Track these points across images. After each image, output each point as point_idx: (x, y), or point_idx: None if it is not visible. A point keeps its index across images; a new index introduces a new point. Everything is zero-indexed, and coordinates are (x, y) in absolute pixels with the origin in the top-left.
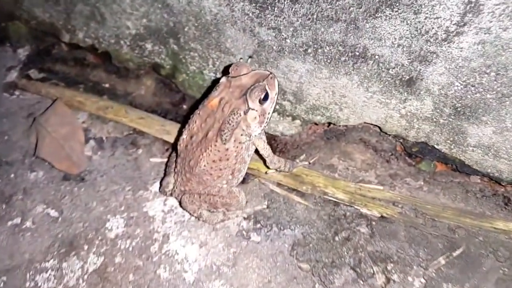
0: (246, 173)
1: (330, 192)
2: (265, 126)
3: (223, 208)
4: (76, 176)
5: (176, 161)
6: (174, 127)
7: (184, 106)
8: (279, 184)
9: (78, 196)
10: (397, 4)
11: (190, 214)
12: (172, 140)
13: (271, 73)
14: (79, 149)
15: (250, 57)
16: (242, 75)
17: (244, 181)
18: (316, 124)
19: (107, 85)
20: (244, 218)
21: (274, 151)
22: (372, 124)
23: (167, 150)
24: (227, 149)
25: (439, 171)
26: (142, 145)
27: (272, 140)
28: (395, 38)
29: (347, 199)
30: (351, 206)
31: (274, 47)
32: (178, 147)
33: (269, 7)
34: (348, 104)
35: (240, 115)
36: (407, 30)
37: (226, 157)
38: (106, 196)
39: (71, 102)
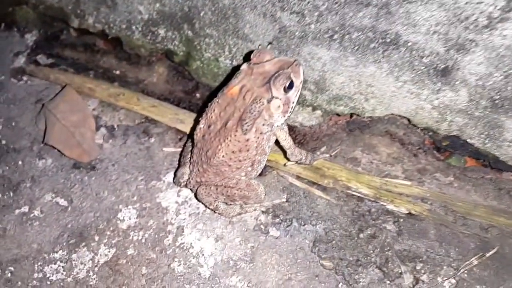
0: (266, 166)
1: (354, 186)
2: (288, 116)
3: (240, 201)
4: (86, 164)
5: (192, 151)
6: (188, 116)
7: (198, 95)
8: (298, 177)
9: (88, 185)
10: None
11: (206, 206)
12: (185, 129)
13: (296, 60)
14: (90, 137)
15: (269, 43)
16: (265, 61)
17: (261, 173)
18: (338, 115)
19: (117, 72)
20: (262, 212)
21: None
22: (400, 116)
23: (180, 139)
24: (247, 140)
25: (469, 167)
26: (155, 134)
27: (290, 131)
28: (431, 25)
29: (372, 194)
30: (376, 202)
31: (297, 33)
32: (195, 137)
33: None
34: (375, 94)
35: (263, 104)
36: (445, 16)
37: (246, 148)
38: (118, 186)
39: (81, 89)
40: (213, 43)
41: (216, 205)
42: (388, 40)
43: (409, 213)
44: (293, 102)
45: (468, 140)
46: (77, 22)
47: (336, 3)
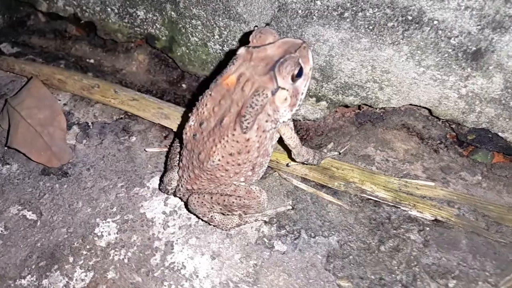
0: None
1: (369, 189)
2: (296, 110)
3: (239, 211)
4: (57, 170)
5: (181, 154)
6: (173, 110)
7: (184, 85)
8: (304, 179)
9: (60, 195)
10: None
11: (199, 217)
12: (171, 126)
13: (304, 41)
14: (60, 137)
15: (267, 24)
16: (267, 44)
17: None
18: (346, 106)
19: (91, 61)
20: (265, 222)
21: None
22: (419, 107)
23: (165, 137)
24: (247, 140)
25: (497, 163)
26: (136, 132)
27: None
28: None
29: (391, 198)
30: (396, 207)
31: (300, 11)
32: (184, 136)
33: None
34: (392, 82)
35: (267, 96)
36: None
37: (247, 149)
38: (94, 195)
39: (50, 81)
40: (200, 26)
41: (211, 216)
42: (410, 17)
43: (435, 220)
44: (301, 93)
45: (500, 134)
46: (45, 5)
47: None
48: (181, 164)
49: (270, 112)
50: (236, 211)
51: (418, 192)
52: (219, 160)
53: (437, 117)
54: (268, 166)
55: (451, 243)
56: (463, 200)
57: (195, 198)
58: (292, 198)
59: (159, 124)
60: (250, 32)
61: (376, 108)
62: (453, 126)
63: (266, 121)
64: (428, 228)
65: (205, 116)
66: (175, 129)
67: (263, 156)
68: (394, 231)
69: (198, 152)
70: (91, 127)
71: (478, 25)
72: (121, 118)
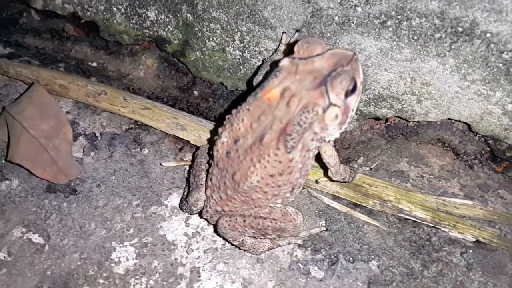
0: None
1: (406, 208)
2: (345, 129)
3: (274, 235)
4: (64, 186)
5: (208, 171)
6: (189, 121)
7: (195, 92)
8: (335, 197)
9: (69, 215)
10: None
11: (229, 241)
12: (188, 138)
13: (355, 53)
14: (66, 151)
15: (297, 31)
16: (315, 56)
17: None
18: (376, 119)
19: (94, 64)
20: (298, 246)
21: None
22: (458, 121)
23: (180, 149)
24: (291, 160)
25: None
26: (148, 144)
27: None
28: None
29: (430, 218)
30: (436, 228)
31: (336, 18)
32: (215, 154)
33: None
34: (432, 95)
35: (317, 114)
36: None
37: (289, 170)
38: (108, 215)
39: (51, 86)
40: (220, 29)
41: (242, 240)
42: (460, 29)
43: (477, 241)
44: (352, 110)
45: None
46: (41, 2)
47: None
48: (209, 183)
49: (317, 130)
50: (270, 234)
51: (457, 212)
52: (257, 181)
53: (475, 133)
54: None
55: (496, 267)
56: (503, 220)
57: (226, 221)
58: (325, 218)
59: (173, 135)
60: (294, 43)
61: (409, 121)
62: (490, 141)
63: (312, 140)
64: (470, 251)
65: (241, 133)
66: (191, 141)
67: (304, 177)
68: (436, 254)
69: (233, 171)
70: (99, 138)
71: None
72: (131, 128)
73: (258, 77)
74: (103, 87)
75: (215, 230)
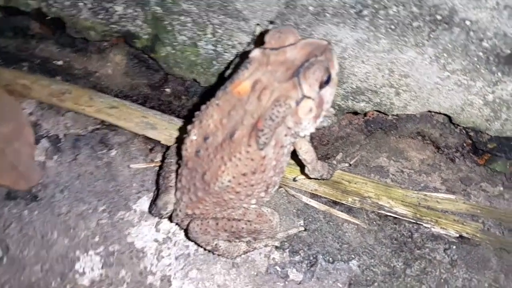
0: None
1: (386, 204)
2: (320, 122)
3: (249, 237)
4: (25, 193)
5: (178, 172)
6: (160, 119)
7: (168, 89)
8: (314, 195)
9: (30, 224)
10: None
11: (201, 246)
12: (158, 137)
13: (329, 42)
14: (27, 154)
15: (271, 22)
16: (287, 46)
17: None
18: (354, 113)
19: (60, 63)
20: (276, 248)
21: None
22: (439, 113)
23: (151, 150)
24: (264, 157)
25: None
26: (116, 145)
27: None
28: None
29: (411, 214)
30: (418, 224)
31: (311, 8)
32: (184, 153)
33: None
34: (411, 87)
35: (290, 107)
36: None
37: (262, 168)
38: (72, 222)
39: (12, 87)
40: (190, 23)
41: (216, 244)
42: (439, 17)
43: (460, 236)
44: (327, 103)
45: None
46: None
47: None
48: (179, 185)
49: (291, 124)
50: (246, 237)
51: (439, 207)
52: (229, 181)
53: (456, 125)
54: None
55: (480, 262)
56: (486, 213)
57: (197, 224)
58: (303, 218)
59: (142, 135)
60: (265, 32)
61: (388, 115)
62: (472, 134)
63: (285, 135)
64: (454, 247)
65: (210, 130)
66: (162, 141)
67: (278, 175)
68: (419, 251)
69: (203, 171)
70: (62, 140)
71: None
72: (98, 128)
73: (229, 71)
74: (67, 86)
75: (186, 235)
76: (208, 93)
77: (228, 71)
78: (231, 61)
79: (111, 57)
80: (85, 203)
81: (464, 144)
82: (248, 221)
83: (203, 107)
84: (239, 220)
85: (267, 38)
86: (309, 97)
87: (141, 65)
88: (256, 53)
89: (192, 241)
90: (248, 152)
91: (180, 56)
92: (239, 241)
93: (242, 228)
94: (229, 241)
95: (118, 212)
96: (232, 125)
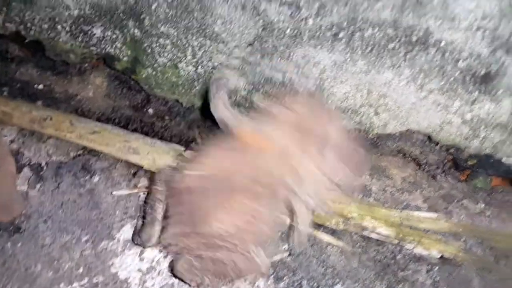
0: None
1: (370, 225)
2: None
3: (236, 277)
4: (8, 224)
5: (167, 202)
6: (142, 143)
7: (150, 110)
8: None
9: (13, 256)
10: None
11: (185, 283)
12: (141, 162)
13: None
14: (9, 185)
15: (249, 45)
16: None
17: None
18: None
19: (40, 87)
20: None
21: None
22: (418, 132)
23: (134, 175)
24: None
25: (496, 187)
26: (98, 170)
27: None
28: (476, 18)
29: (394, 234)
30: (400, 245)
31: (288, 31)
32: (178, 183)
33: None
34: (389, 107)
35: None
36: (496, 6)
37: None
38: (55, 253)
39: None
40: (170, 45)
41: (201, 281)
42: (414, 38)
43: (442, 257)
44: None
45: (503, 160)
46: None
47: None
48: (169, 221)
49: None
50: (231, 277)
51: (421, 226)
52: (219, 227)
53: (436, 143)
54: None
55: (462, 283)
56: (468, 232)
57: (182, 263)
58: (287, 242)
59: (126, 160)
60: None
61: (369, 134)
62: (452, 150)
63: None
64: (436, 268)
65: (213, 170)
66: (145, 166)
67: (272, 230)
68: (402, 273)
69: (196, 208)
70: (45, 168)
71: (490, 47)
72: (80, 154)
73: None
74: (48, 112)
75: (171, 270)
76: (191, 114)
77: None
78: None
79: (92, 79)
80: (69, 233)
81: (445, 161)
82: (234, 261)
83: (211, 142)
84: (225, 263)
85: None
86: None
87: (122, 86)
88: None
89: (176, 277)
90: (245, 205)
91: (161, 78)
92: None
93: (227, 269)
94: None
95: (102, 241)
96: (238, 176)
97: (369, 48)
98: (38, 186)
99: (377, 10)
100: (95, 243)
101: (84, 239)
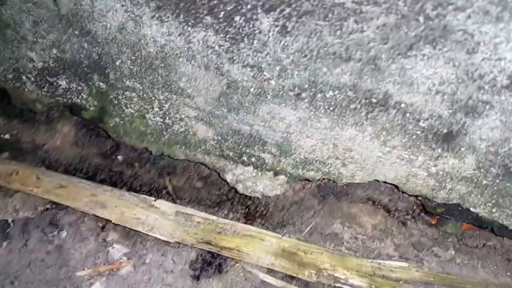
0: (223, 257)
1: (342, 276)
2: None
3: None
4: None
5: None
6: (110, 196)
7: (120, 157)
8: (270, 270)
9: None
10: (443, 41)
11: None
12: (109, 217)
13: None
14: None
15: (215, 100)
16: None
17: (220, 269)
18: (307, 180)
19: (7, 136)
20: None
21: (252, 217)
22: (386, 182)
23: (102, 229)
24: None
25: (466, 231)
26: (66, 225)
27: (248, 200)
28: (434, 84)
29: (366, 286)
30: None
31: (252, 90)
32: None
33: (245, 39)
34: (355, 159)
35: None
36: (453, 74)
37: None
38: None
39: None
40: (136, 97)
41: None
42: (374, 100)
43: None
44: None
45: (471, 209)
46: None
47: (304, 56)
48: None
49: None
50: None
51: (393, 275)
52: None
53: (404, 192)
54: (229, 257)
55: None
56: (439, 280)
57: None
58: None
59: (93, 214)
60: None
61: (338, 183)
62: (420, 198)
63: None
64: None
65: None
66: (113, 220)
67: None
68: None
69: None
70: (11, 225)
71: (449, 109)
72: (47, 209)
73: None
74: (14, 166)
75: None
76: (161, 161)
77: None
78: None
79: (59, 128)
80: None
81: (414, 207)
82: None
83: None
84: None
85: None
86: None
87: (90, 133)
88: None
89: None
90: None
91: (129, 127)
92: None
93: None
94: None
95: None
96: None
97: (332, 108)
98: (4, 244)
99: (336, 74)
100: None
101: None
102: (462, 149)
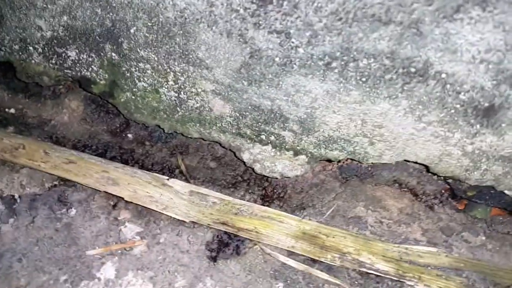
0: (240, 239)
1: (367, 261)
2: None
3: None
4: None
5: None
6: (122, 173)
7: (130, 135)
8: (291, 253)
9: None
10: (494, 1)
11: None
12: (121, 194)
13: None
14: None
15: (236, 71)
16: None
17: (238, 251)
18: (329, 160)
19: (12, 111)
20: None
21: (270, 199)
22: (415, 163)
23: (114, 207)
24: None
25: (495, 217)
26: (76, 202)
27: (265, 182)
28: (479, 51)
29: (393, 271)
30: (401, 282)
31: (277, 59)
32: None
33: (273, 0)
34: (385, 137)
35: None
36: (501, 40)
37: None
38: None
39: None
40: (150, 70)
41: None
42: (413, 70)
43: None
44: None
45: (506, 191)
46: None
47: (339, 19)
48: None
49: None
50: None
51: (421, 261)
52: None
53: (435, 174)
54: (247, 238)
55: None
56: (470, 266)
57: None
58: (281, 280)
59: (104, 191)
60: None
61: (363, 163)
62: (450, 181)
63: None
64: None
65: None
66: (126, 198)
67: None
68: None
69: None
70: (18, 201)
71: (493, 80)
72: (55, 185)
73: None
74: (21, 140)
75: None
76: (174, 139)
77: None
78: None
79: (67, 103)
80: (45, 273)
81: (443, 191)
82: None
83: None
84: None
85: None
86: None
87: (99, 110)
88: None
89: None
90: None
91: (141, 102)
92: None
93: None
94: None
95: (81, 282)
96: None
97: (364, 79)
98: (11, 220)
99: (372, 40)
100: (74, 284)
101: (62, 279)
102: (503, 125)
